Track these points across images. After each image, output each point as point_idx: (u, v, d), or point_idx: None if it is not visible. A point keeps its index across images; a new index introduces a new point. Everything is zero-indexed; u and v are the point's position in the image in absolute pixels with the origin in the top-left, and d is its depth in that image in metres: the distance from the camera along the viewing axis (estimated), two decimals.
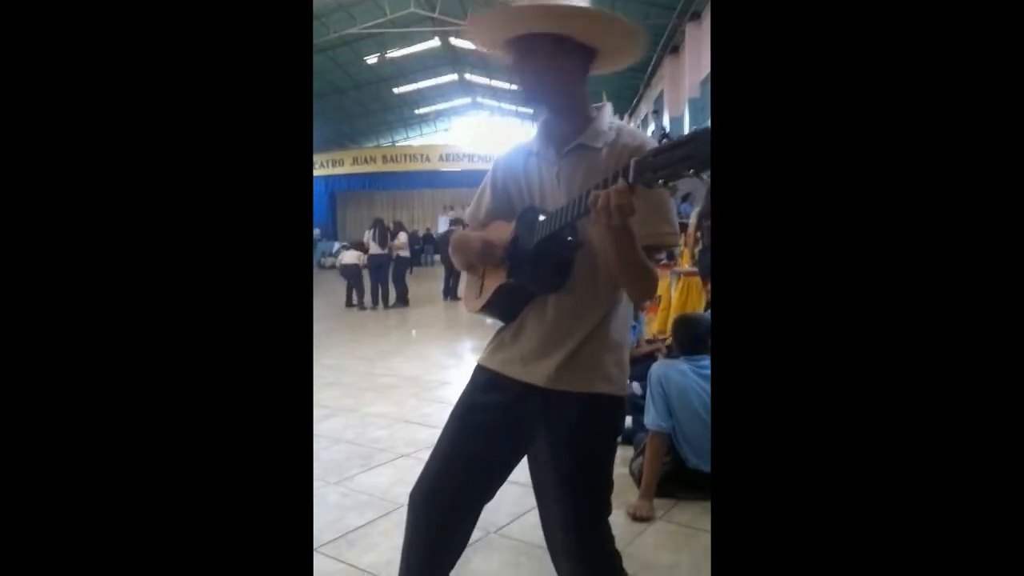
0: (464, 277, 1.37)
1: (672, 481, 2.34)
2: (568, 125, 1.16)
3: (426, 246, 17.42)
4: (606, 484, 1.19)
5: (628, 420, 2.88)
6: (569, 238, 1.09)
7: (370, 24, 12.74)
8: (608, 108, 1.19)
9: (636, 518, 2.19)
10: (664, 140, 1.00)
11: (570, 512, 1.15)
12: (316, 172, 20.11)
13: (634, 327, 3.71)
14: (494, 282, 1.20)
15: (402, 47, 14.52)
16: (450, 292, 9.46)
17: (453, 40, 14.39)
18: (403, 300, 8.96)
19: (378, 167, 20.42)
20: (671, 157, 0.84)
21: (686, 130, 10.42)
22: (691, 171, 0.81)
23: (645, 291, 1.10)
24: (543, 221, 1.10)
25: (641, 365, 3.08)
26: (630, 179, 0.89)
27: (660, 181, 0.85)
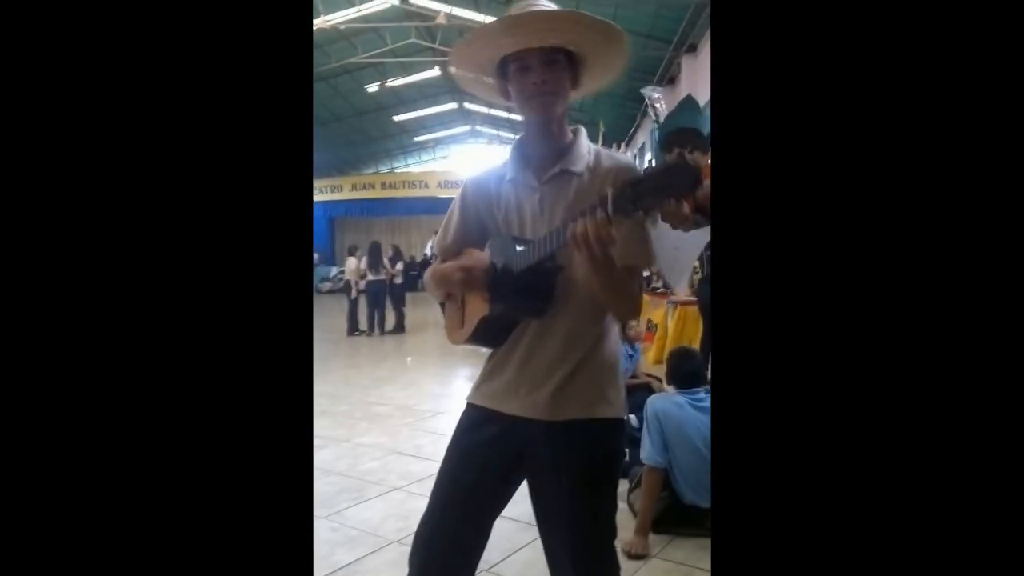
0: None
1: (668, 517, 2.30)
2: (547, 148, 1.14)
3: (423, 272, 17.42)
4: (611, 506, 1.17)
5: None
6: (548, 264, 1.07)
7: (371, 53, 12.94)
8: (583, 132, 1.17)
9: (632, 555, 2.14)
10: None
11: (578, 540, 1.12)
12: (316, 198, 20.20)
13: (631, 356, 3.67)
14: (476, 313, 1.18)
15: (402, 76, 14.73)
16: None
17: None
18: (400, 326, 8.93)
19: (377, 193, 20.54)
20: (649, 187, 0.84)
21: None
22: (671, 200, 0.83)
23: (628, 311, 1.11)
24: (522, 251, 1.08)
25: (637, 397, 3.06)
26: (609, 210, 0.88)
27: (640, 212, 0.86)
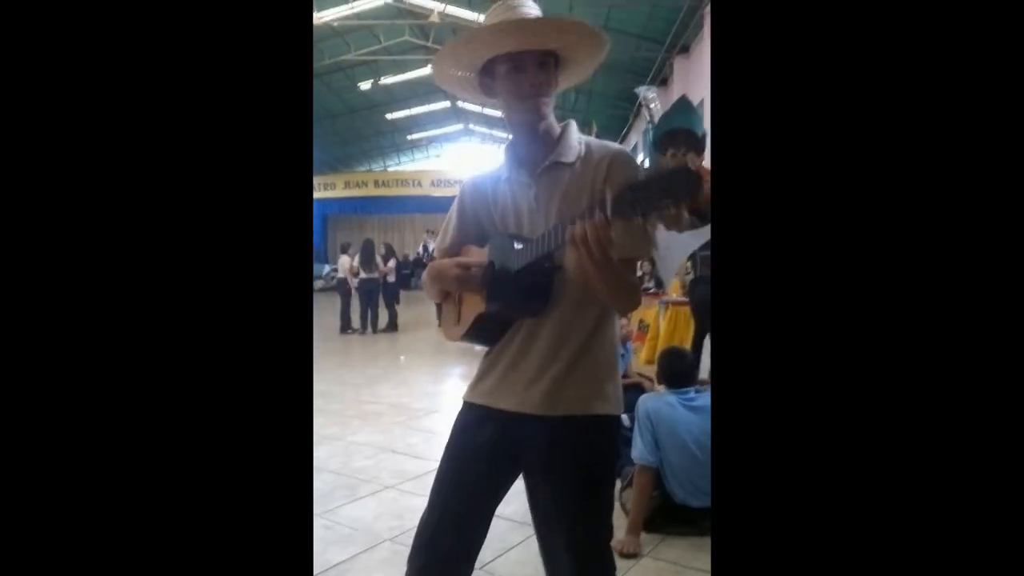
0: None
1: (660, 516, 2.32)
2: (538, 144, 1.16)
3: (416, 270, 17.41)
4: (608, 505, 1.18)
5: None
6: (546, 264, 1.08)
7: (364, 51, 12.91)
8: (573, 125, 1.19)
9: (623, 554, 2.15)
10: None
11: (573, 539, 1.13)
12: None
13: (623, 356, 3.69)
14: (472, 310, 1.19)
15: (396, 74, 14.71)
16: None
17: None
18: (393, 325, 8.91)
19: (370, 191, 20.50)
20: (650, 191, 0.84)
21: None
22: (669, 204, 0.82)
23: (629, 303, 1.11)
24: (520, 249, 1.09)
25: (628, 396, 3.06)
26: (608, 213, 0.89)
27: (639, 216, 0.86)
